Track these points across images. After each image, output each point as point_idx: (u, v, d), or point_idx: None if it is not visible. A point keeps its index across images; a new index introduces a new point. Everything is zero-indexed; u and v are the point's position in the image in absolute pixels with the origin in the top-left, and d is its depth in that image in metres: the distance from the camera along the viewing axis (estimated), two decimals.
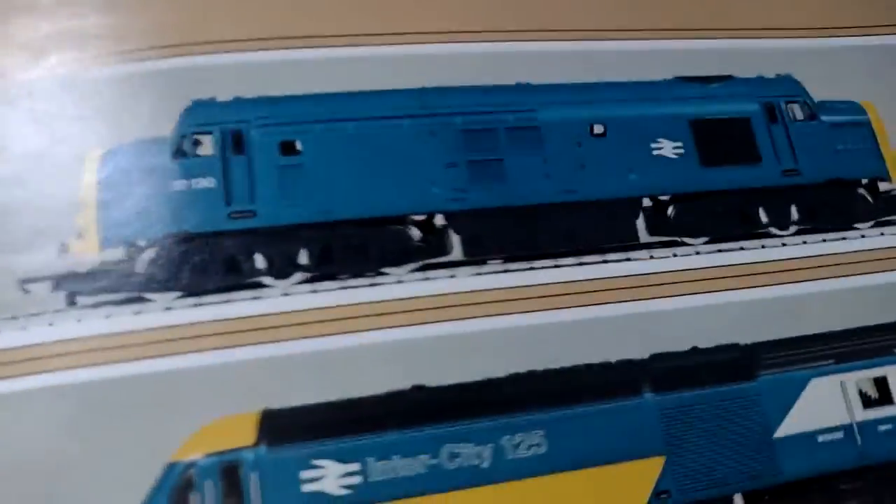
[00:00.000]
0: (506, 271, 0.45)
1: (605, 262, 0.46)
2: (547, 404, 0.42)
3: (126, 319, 0.41)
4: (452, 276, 0.45)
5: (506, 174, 0.47)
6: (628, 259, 0.47)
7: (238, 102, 0.46)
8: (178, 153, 0.44)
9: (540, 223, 0.47)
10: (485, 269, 0.45)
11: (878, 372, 0.46)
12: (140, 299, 0.42)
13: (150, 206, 0.43)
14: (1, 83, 0.44)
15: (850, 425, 0.45)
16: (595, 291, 0.45)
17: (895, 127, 0.53)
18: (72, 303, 0.41)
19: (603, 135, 0.49)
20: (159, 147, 0.44)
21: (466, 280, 0.45)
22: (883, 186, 0.53)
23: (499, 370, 0.42)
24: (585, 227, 0.48)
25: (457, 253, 0.46)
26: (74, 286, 0.41)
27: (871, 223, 0.52)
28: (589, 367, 0.43)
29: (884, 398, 0.46)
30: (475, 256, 0.46)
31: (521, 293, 0.44)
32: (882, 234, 0.51)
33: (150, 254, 0.43)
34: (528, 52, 0.50)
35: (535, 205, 0.47)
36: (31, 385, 0.39)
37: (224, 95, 0.46)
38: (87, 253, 0.42)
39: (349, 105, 0.46)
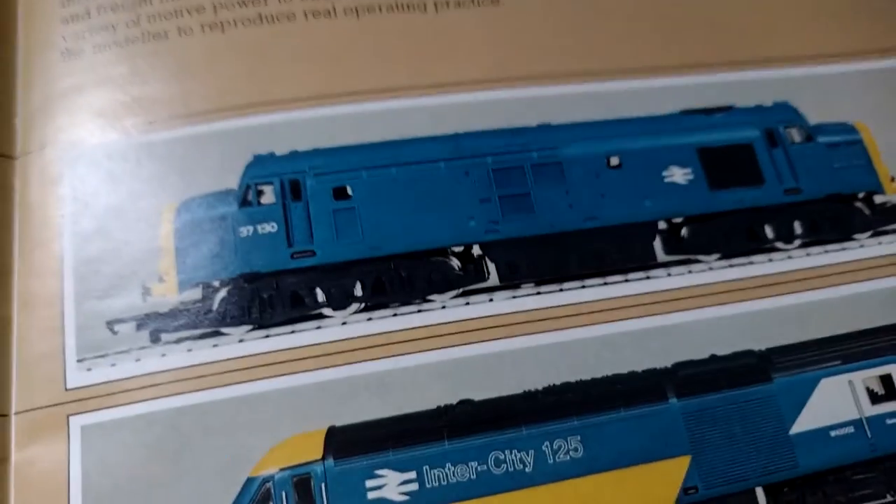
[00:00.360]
0: (538, 293, 0.48)
1: (627, 281, 0.49)
2: (582, 412, 0.44)
3: (205, 352, 0.44)
4: (490, 300, 0.48)
5: (533, 206, 0.51)
6: (648, 277, 0.50)
7: (294, 155, 0.50)
8: (244, 202, 0.49)
9: (566, 249, 0.50)
10: (519, 292, 0.48)
11: (883, 370, 0.48)
12: (216, 333, 0.46)
13: (222, 251, 0.47)
14: (82, 148, 0.49)
15: (860, 420, 0.47)
16: (620, 308, 0.48)
17: (887, 144, 0.56)
18: (156, 340, 0.45)
19: (619, 166, 0.53)
20: (226, 198, 0.48)
21: (503, 303, 0.48)
22: (878, 199, 0.55)
23: (537, 383, 0.45)
24: (608, 250, 0.51)
25: (493, 279, 0.50)
26: (157, 325, 0.45)
27: (870, 233, 0.54)
28: (618, 376, 0.46)
29: (890, 394, 0.48)
30: (510, 281, 0.49)
31: (552, 313, 0.47)
32: (880, 243, 0.53)
33: (223, 293, 0.47)
34: (547, 95, 0.53)
35: (561, 232, 0.50)
36: (123, 415, 0.43)
37: (281, 149, 0.50)
38: (168, 294, 0.46)
39: (392, 152, 0.50)
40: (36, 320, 0.45)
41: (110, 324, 0.45)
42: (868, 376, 0.48)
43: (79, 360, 0.44)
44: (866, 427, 0.47)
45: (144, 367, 0.44)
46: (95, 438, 0.42)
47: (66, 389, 0.43)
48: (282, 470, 0.42)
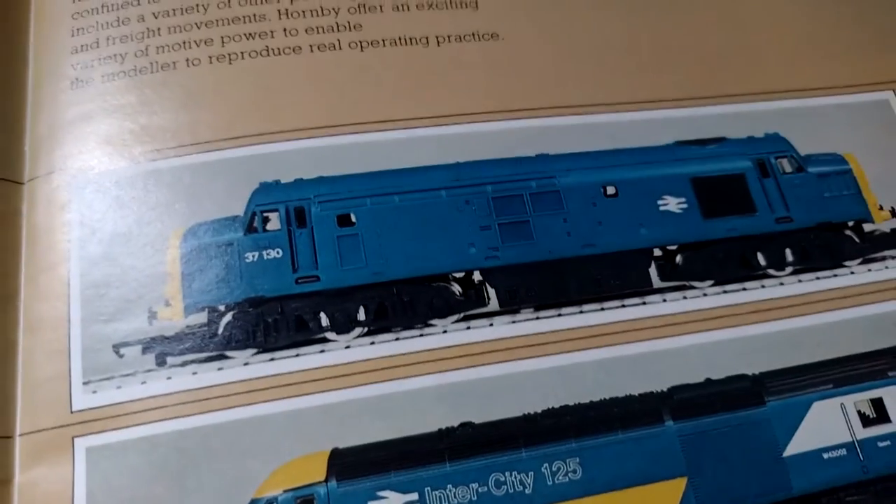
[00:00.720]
0: (537, 318, 0.49)
1: (624, 306, 0.50)
2: (580, 434, 0.45)
3: (210, 375, 0.45)
4: (490, 325, 0.49)
5: (532, 233, 0.52)
6: (644, 303, 0.50)
7: (299, 183, 0.50)
8: (250, 229, 0.49)
9: (565, 275, 0.51)
10: (518, 317, 0.49)
11: (874, 393, 0.49)
12: (221, 357, 0.46)
13: (227, 276, 0.48)
14: (89, 174, 0.49)
15: (852, 443, 0.47)
16: (617, 333, 0.49)
17: (874, 174, 0.57)
18: (161, 363, 0.45)
19: (615, 195, 0.54)
20: (232, 224, 0.49)
21: (503, 328, 0.48)
22: (867, 227, 0.56)
23: (536, 406, 0.46)
24: (605, 276, 0.52)
25: (493, 304, 0.50)
26: (163, 348, 0.46)
27: (859, 260, 0.55)
28: (615, 399, 0.46)
29: (881, 417, 0.48)
30: (509, 307, 0.50)
31: (551, 337, 0.48)
32: (869, 269, 0.54)
33: (228, 317, 0.47)
34: (545, 126, 0.54)
35: (560, 259, 0.51)
36: (128, 437, 0.43)
37: (286, 177, 0.50)
38: (174, 318, 0.46)
39: (395, 180, 0.51)
40: (42, 343, 0.45)
41: (116, 347, 0.45)
42: (859, 399, 0.49)
43: (85, 383, 0.44)
44: (858, 449, 0.47)
45: (150, 390, 0.44)
46: (100, 460, 0.42)
47: (72, 412, 0.43)
48: (285, 491, 0.42)
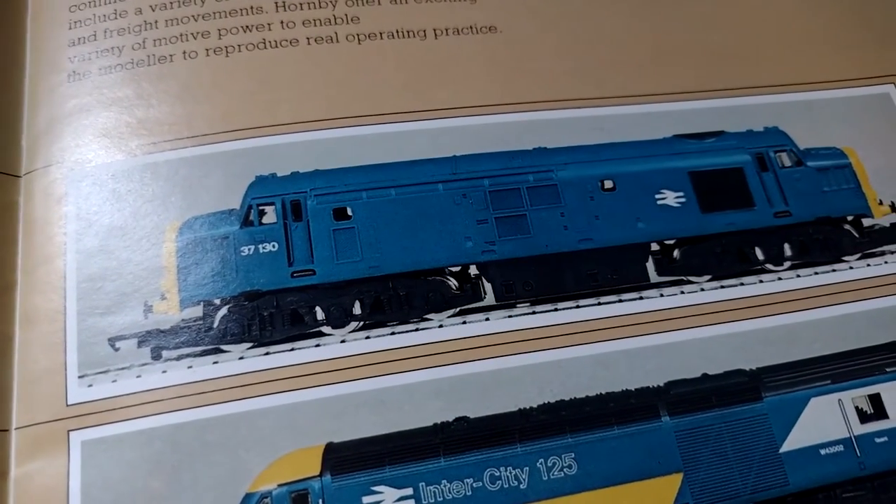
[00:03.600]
0: (533, 313, 0.49)
1: (621, 301, 0.50)
2: (576, 429, 0.45)
3: (205, 369, 0.45)
4: (487, 319, 0.49)
5: (529, 227, 0.52)
6: (641, 298, 0.50)
7: (295, 176, 0.50)
8: (246, 222, 0.49)
9: (561, 269, 0.51)
10: (515, 311, 0.49)
11: (872, 389, 0.49)
12: (217, 350, 0.46)
13: (223, 269, 0.48)
14: (86, 167, 0.49)
15: (849, 439, 0.47)
16: (613, 328, 0.48)
17: (874, 168, 0.57)
18: (157, 356, 0.45)
19: (613, 189, 0.54)
20: (229, 217, 0.49)
21: (499, 322, 0.48)
22: (866, 222, 0.56)
23: (532, 401, 0.46)
24: (602, 270, 0.52)
25: (490, 298, 0.50)
26: (159, 342, 0.46)
27: (858, 255, 0.55)
28: (611, 394, 0.46)
29: (879, 413, 0.48)
30: (506, 301, 0.50)
31: (547, 332, 0.48)
32: (868, 265, 0.54)
33: (224, 311, 0.47)
34: (543, 119, 0.54)
35: (556, 253, 0.51)
36: (123, 430, 0.43)
37: (283, 170, 0.50)
38: (170, 312, 0.46)
39: (391, 174, 0.51)
40: (38, 336, 0.45)
41: (112, 340, 0.45)
42: (857, 395, 0.49)
43: (80, 376, 0.44)
44: (855, 445, 0.47)
45: (145, 384, 0.44)
46: (96, 454, 0.42)
47: (68, 405, 0.43)
48: (280, 486, 0.42)
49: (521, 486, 0.43)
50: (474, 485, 0.43)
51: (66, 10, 0.54)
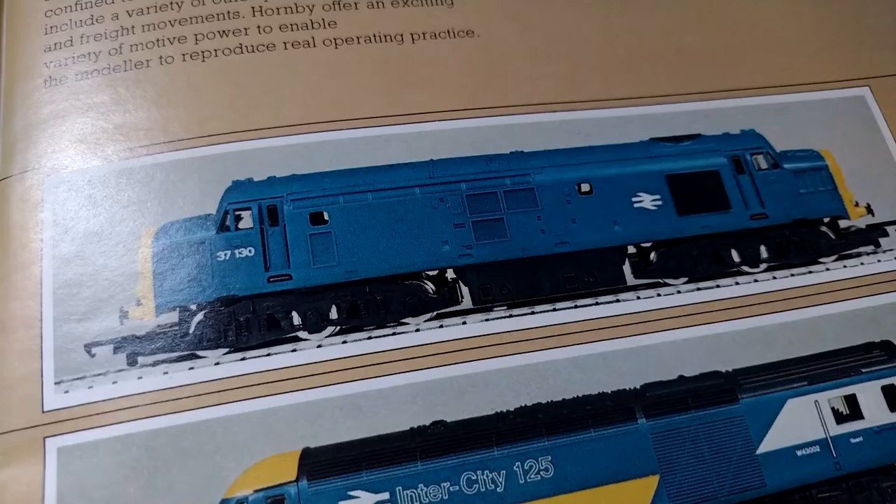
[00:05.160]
0: (510, 316, 0.49)
1: (598, 304, 0.50)
2: (552, 432, 0.45)
3: (181, 375, 0.45)
4: (464, 323, 0.49)
5: (506, 231, 0.52)
6: (618, 300, 0.51)
7: (272, 181, 0.50)
8: (222, 227, 0.49)
9: (538, 272, 0.51)
10: (492, 315, 0.49)
11: (848, 390, 0.49)
12: (193, 356, 0.46)
13: (199, 275, 0.48)
14: (63, 173, 0.49)
15: (826, 440, 0.48)
16: (590, 330, 0.49)
17: (850, 170, 0.57)
18: (133, 362, 0.45)
19: (590, 192, 0.54)
20: (205, 223, 0.49)
21: (476, 325, 0.48)
22: (843, 224, 0.57)
23: (508, 404, 0.46)
24: (578, 274, 0.52)
25: (467, 302, 0.50)
26: (135, 348, 0.46)
27: (835, 257, 0.55)
28: (588, 397, 0.46)
29: (854, 413, 0.49)
30: (483, 305, 0.50)
31: (524, 335, 0.48)
32: (845, 266, 0.54)
33: (200, 316, 0.47)
34: (520, 123, 0.54)
35: (533, 256, 0.51)
36: (99, 437, 0.43)
37: (259, 175, 0.50)
38: (145, 318, 0.46)
39: (368, 178, 0.51)
40: (14, 342, 0.45)
41: (88, 347, 0.45)
42: (833, 396, 0.49)
43: (56, 383, 0.44)
44: (831, 446, 0.47)
45: (121, 390, 0.44)
46: (71, 460, 0.42)
47: (44, 411, 0.43)
48: (256, 491, 0.42)
49: (499, 490, 0.43)
50: (451, 489, 0.43)
51: (41, 15, 0.54)
